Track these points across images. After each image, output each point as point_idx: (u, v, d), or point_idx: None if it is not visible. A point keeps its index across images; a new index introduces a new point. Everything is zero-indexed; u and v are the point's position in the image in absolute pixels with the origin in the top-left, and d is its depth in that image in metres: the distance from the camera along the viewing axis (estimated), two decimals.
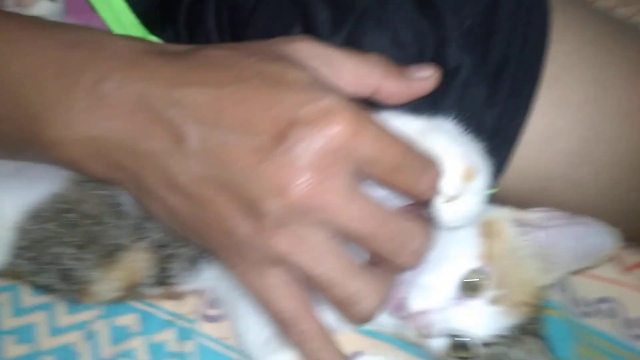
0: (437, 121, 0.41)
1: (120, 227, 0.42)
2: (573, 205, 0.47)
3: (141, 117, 0.34)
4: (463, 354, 0.41)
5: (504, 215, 0.44)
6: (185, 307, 0.44)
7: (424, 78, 0.40)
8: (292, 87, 0.33)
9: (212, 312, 0.44)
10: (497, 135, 0.47)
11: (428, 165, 0.35)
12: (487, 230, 0.42)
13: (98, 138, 0.34)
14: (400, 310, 0.41)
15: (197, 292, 0.45)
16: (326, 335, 0.36)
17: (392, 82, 0.39)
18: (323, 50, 0.38)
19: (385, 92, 0.39)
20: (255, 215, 0.32)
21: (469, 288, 0.41)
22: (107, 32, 0.38)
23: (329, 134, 0.31)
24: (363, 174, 0.33)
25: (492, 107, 0.47)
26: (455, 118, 0.41)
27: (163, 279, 0.43)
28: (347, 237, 0.33)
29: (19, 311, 0.44)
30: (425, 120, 0.40)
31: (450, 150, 0.37)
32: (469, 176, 0.37)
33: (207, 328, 0.43)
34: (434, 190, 0.35)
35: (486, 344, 0.41)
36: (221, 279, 0.43)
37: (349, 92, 0.37)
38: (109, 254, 0.42)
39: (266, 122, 0.32)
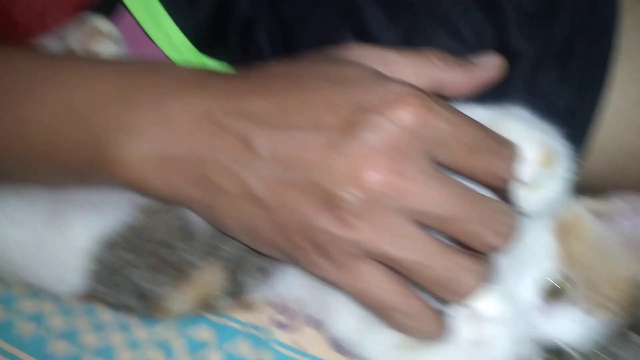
0: (508, 108, 0.39)
1: (191, 249, 0.42)
2: None
3: (207, 130, 0.34)
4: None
5: (581, 208, 0.41)
6: (258, 316, 0.44)
7: (487, 67, 0.38)
8: (354, 81, 0.33)
9: (285, 319, 0.43)
10: (573, 117, 0.45)
11: (506, 147, 0.33)
12: (566, 229, 0.40)
13: (164, 155, 0.35)
14: None
15: (270, 301, 0.44)
16: (434, 312, 0.35)
17: (453, 74, 0.38)
18: (376, 52, 0.37)
19: (447, 86, 0.38)
20: (333, 209, 0.31)
21: (552, 294, 0.38)
22: (168, 62, 0.40)
23: (398, 118, 0.31)
24: (439, 158, 0.32)
25: (564, 89, 0.45)
26: (525, 104, 0.39)
27: (235, 291, 0.43)
28: (429, 222, 0.32)
29: (98, 330, 0.44)
30: (495, 108, 0.38)
31: (527, 134, 0.35)
32: (548, 161, 0.35)
33: (282, 336, 0.42)
34: (513, 174, 0.34)
35: (583, 354, 0.38)
36: (297, 286, 0.43)
37: None
38: (181, 272, 0.42)
39: (333, 116, 0.32)
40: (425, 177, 0.31)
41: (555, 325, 0.38)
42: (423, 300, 0.35)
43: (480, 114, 0.37)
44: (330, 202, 0.31)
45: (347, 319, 0.40)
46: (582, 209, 0.41)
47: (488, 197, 0.33)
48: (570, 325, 0.38)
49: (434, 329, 0.35)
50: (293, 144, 0.32)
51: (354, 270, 0.33)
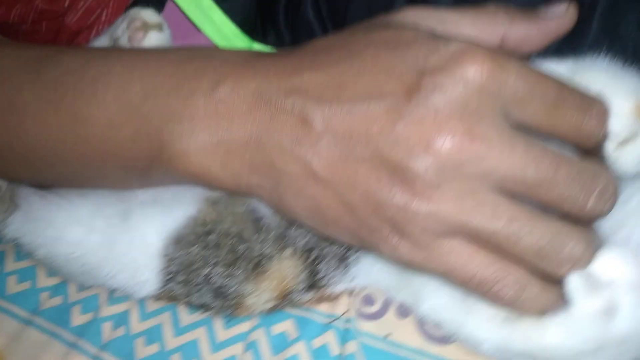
0: (588, 60, 0.35)
1: (263, 240, 0.42)
2: None
3: (261, 113, 0.33)
4: None
5: None
6: (341, 307, 0.42)
7: (557, 15, 0.35)
8: (411, 44, 0.30)
9: (369, 309, 0.42)
10: None
11: (591, 100, 0.30)
12: None
13: (222, 141, 0.34)
14: None
15: (351, 291, 0.43)
16: (535, 278, 0.31)
17: (520, 27, 0.34)
18: (433, 13, 0.35)
19: (514, 39, 0.34)
20: (404, 181, 0.29)
21: None
22: (215, 47, 0.38)
23: (465, 76, 0.28)
24: (516, 117, 0.29)
25: None
26: (608, 53, 0.35)
27: (314, 283, 0.42)
28: (515, 188, 0.29)
29: (180, 330, 0.44)
30: (574, 61, 0.35)
31: (612, 85, 0.32)
32: None
33: (367, 326, 0.41)
34: (603, 129, 0.30)
35: None
36: (377, 272, 0.41)
37: None
38: (256, 266, 0.42)
39: (392, 82, 0.30)
40: (504, 138, 0.28)
41: None
42: (524, 268, 0.30)
43: (555, 68, 0.34)
44: (403, 175, 0.29)
45: (440, 298, 0.37)
46: None
47: (578, 158, 0.29)
48: None
49: (545, 299, 0.31)
50: (353, 117, 0.30)
51: (439, 248, 0.30)
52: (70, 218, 0.45)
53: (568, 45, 0.37)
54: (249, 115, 0.33)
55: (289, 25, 0.52)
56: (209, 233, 0.42)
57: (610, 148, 0.31)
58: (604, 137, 0.31)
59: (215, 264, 0.42)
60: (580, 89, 0.30)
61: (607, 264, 0.29)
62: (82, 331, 0.46)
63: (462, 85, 0.28)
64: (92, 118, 0.38)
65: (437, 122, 0.28)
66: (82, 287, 0.49)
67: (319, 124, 0.31)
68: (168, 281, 0.44)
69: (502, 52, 0.29)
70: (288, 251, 0.41)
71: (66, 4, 0.54)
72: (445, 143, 0.28)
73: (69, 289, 0.49)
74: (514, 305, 0.31)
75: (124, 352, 0.44)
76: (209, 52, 0.38)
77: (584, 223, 0.31)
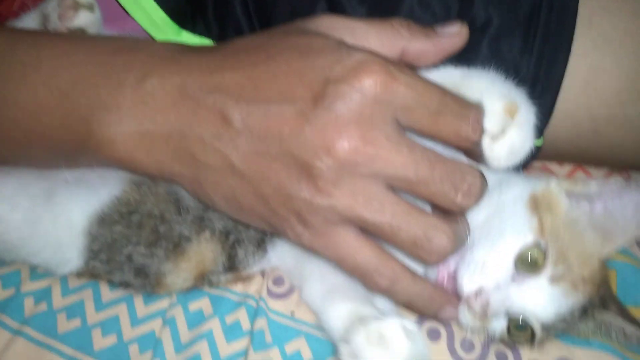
0: (475, 70, 0.40)
1: (183, 221, 0.44)
2: (628, 146, 0.46)
3: (185, 107, 0.36)
4: (522, 336, 0.40)
5: (554, 186, 0.42)
6: (253, 287, 0.46)
7: (451, 34, 0.39)
8: (320, 52, 0.34)
9: (278, 289, 0.46)
10: (538, 83, 0.46)
11: (469, 107, 0.35)
12: (539, 204, 0.41)
13: (148, 132, 0.37)
14: (453, 288, 0.40)
15: (263, 272, 0.47)
16: (411, 272, 0.37)
17: (419, 42, 0.39)
18: (344, 23, 0.38)
19: (412, 53, 0.39)
20: (310, 178, 0.33)
21: (526, 265, 0.39)
22: (144, 39, 0.40)
23: (362, 86, 0.32)
24: (404, 123, 0.34)
25: (529, 56, 0.47)
26: (494, 70, 0.41)
27: (231, 265, 0.45)
28: (399, 185, 0.34)
29: (101, 306, 0.47)
30: (463, 69, 0.40)
31: (489, 89, 0.37)
32: (511, 111, 0.36)
33: (275, 305, 0.45)
34: (478, 131, 0.35)
35: (546, 326, 0.40)
36: (285, 255, 0.45)
37: None
38: (176, 247, 0.44)
39: (302, 88, 0.33)
40: (392, 142, 0.33)
41: (523, 295, 0.39)
42: (400, 264, 0.36)
43: (448, 74, 0.39)
44: (309, 173, 0.33)
45: (316, 286, 0.43)
46: (556, 186, 0.42)
47: (453, 159, 0.34)
48: (538, 298, 0.39)
49: (413, 290, 0.37)
50: (267, 117, 0.34)
51: (335, 237, 0.35)
52: None
53: (460, 61, 0.42)
54: (173, 108, 0.36)
55: (217, 18, 0.54)
56: (132, 213, 0.45)
57: (485, 143, 0.36)
58: (479, 136, 0.35)
59: (137, 244, 0.44)
60: (461, 99, 0.35)
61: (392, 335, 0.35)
62: (3, 306, 0.47)
63: (359, 95, 0.33)
64: (21, 102, 0.39)
65: (337, 128, 0.33)
66: (2, 263, 0.49)
67: (238, 121, 0.34)
68: (91, 259, 0.46)
69: (397, 65, 0.34)
70: (206, 233, 0.44)
71: None
72: (343, 146, 0.33)
73: None
74: (388, 294, 0.37)
75: (46, 327, 0.45)
76: (138, 45, 0.40)
77: (457, 214, 0.36)
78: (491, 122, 0.35)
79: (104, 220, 0.45)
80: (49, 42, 0.40)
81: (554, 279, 0.39)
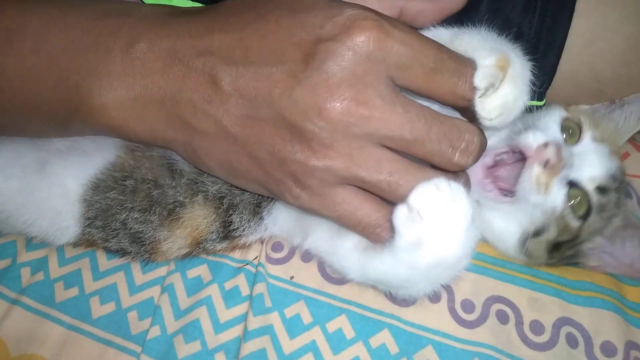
0: (467, 29, 0.39)
1: (176, 185, 0.44)
2: None
3: (175, 71, 0.35)
4: (580, 204, 0.42)
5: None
6: (252, 253, 0.46)
7: None
8: (311, 8, 0.33)
9: (277, 255, 0.45)
10: (540, 43, 0.45)
11: (465, 64, 0.34)
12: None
13: (139, 97, 0.36)
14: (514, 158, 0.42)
15: (262, 238, 0.46)
16: None
17: (417, 2, 0.38)
18: None
19: (412, 11, 0.38)
20: (303, 140, 0.33)
21: (568, 134, 0.43)
22: (134, 2, 0.39)
23: (354, 44, 0.31)
24: (399, 81, 0.33)
25: (531, 15, 0.45)
26: (490, 28, 0.39)
27: (228, 234, 0.45)
28: (394, 145, 0.33)
29: (99, 275, 0.46)
30: (454, 29, 0.39)
31: (482, 45, 0.36)
32: (502, 67, 0.35)
33: (275, 270, 0.44)
34: (472, 90, 0.34)
35: (601, 188, 0.42)
36: (282, 220, 0.44)
37: None
38: (170, 213, 0.44)
39: (292, 48, 0.32)
40: (386, 102, 0.32)
41: (577, 156, 0.42)
42: None
43: (441, 32, 0.38)
44: (302, 135, 0.33)
45: (320, 232, 0.42)
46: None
47: (450, 117, 0.34)
48: (587, 154, 0.42)
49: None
50: (258, 79, 0.33)
51: (333, 196, 0.35)
52: None
53: (460, 22, 0.40)
54: (164, 72, 0.35)
55: None
56: (126, 178, 0.44)
57: (476, 99, 0.35)
58: (473, 92, 0.34)
59: (132, 209, 0.44)
60: (457, 55, 0.34)
61: (420, 198, 0.34)
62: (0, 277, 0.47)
63: (351, 53, 0.31)
64: (9, 69, 0.38)
65: (328, 88, 0.32)
66: None
67: (227, 84, 0.34)
68: (87, 226, 0.45)
69: (391, 20, 0.32)
70: (199, 197, 0.44)
71: None
72: (335, 108, 0.32)
73: None
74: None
75: (44, 296, 0.45)
76: (127, 9, 0.39)
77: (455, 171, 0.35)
78: (480, 77, 0.34)
79: (98, 187, 0.44)
80: (36, 7, 0.39)
81: (596, 139, 0.43)
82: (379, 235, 0.36)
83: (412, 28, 0.33)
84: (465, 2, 0.38)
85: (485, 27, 0.39)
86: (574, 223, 0.41)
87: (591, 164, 0.42)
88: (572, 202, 0.41)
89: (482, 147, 0.34)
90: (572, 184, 0.41)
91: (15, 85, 0.38)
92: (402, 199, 0.34)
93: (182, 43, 0.35)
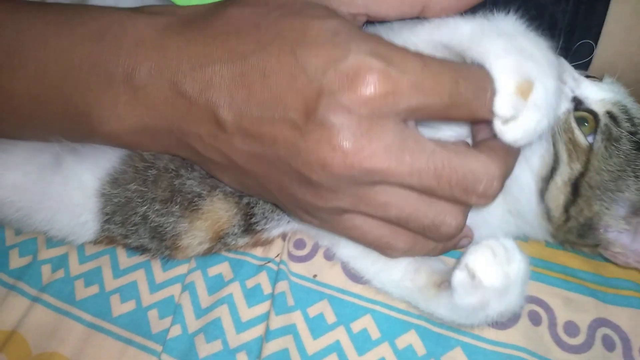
0: (494, 21, 0.35)
1: (195, 178, 0.43)
2: None
3: (178, 104, 0.34)
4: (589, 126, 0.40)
5: None
6: (274, 250, 0.45)
7: None
8: (312, 45, 0.31)
9: (299, 252, 0.44)
10: (575, 30, 0.43)
11: (484, 87, 0.31)
12: None
13: (148, 127, 0.36)
14: None
15: (284, 235, 0.45)
16: (419, 235, 0.37)
17: None
18: None
19: (435, 7, 0.36)
20: (309, 186, 0.32)
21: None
22: (127, 13, 0.38)
23: (359, 98, 0.29)
24: (411, 119, 0.31)
25: (564, 2, 0.43)
26: (518, 16, 0.36)
27: (249, 227, 0.44)
28: (407, 189, 0.33)
29: (119, 273, 0.46)
30: (479, 20, 0.35)
31: (501, 62, 0.32)
32: (524, 92, 0.32)
33: (297, 268, 0.43)
34: (490, 114, 0.32)
35: (612, 116, 0.40)
36: None
37: (395, 16, 0.36)
38: (190, 204, 0.43)
39: (294, 95, 0.31)
40: (392, 154, 0.30)
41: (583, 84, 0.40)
42: (412, 232, 0.36)
43: (462, 30, 0.35)
44: (307, 181, 0.32)
45: (349, 245, 0.42)
46: None
47: (467, 158, 0.32)
48: (600, 86, 0.41)
49: (430, 244, 0.37)
50: (260, 125, 0.32)
51: (343, 222, 0.35)
52: (3, 164, 0.44)
53: (492, 9, 0.38)
54: (168, 104, 0.35)
55: None
56: (147, 168, 0.43)
57: (496, 125, 0.32)
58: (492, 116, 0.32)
59: (153, 200, 0.43)
60: (474, 72, 0.31)
61: (478, 266, 0.36)
62: (20, 274, 0.46)
63: (355, 107, 0.29)
64: (17, 94, 0.37)
65: (331, 145, 0.30)
66: (18, 232, 0.49)
67: (231, 125, 0.33)
68: (105, 222, 0.45)
69: (400, 60, 0.30)
70: (218, 193, 0.43)
71: None
72: (338, 164, 0.30)
73: (5, 233, 0.49)
74: (407, 256, 0.39)
75: (64, 294, 0.45)
76: (122, 25, 0.37)
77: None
78: (499, 106, 0.32)
79: (116, 180, 0.44)
80: (29, 28, 0.37)
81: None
82: (394, 252, 0.37)
83: (425, 57, 0.31)
84: None
85: (515, 15, 0.36)
86: (582, 140, 0.39)
87: (602, 88, 0.40)
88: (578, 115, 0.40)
89: (500, 187, 0.32)
90: (578, 102, 0.40)
91: (25, 109, 0.38)
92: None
93: (183, 75, 0.34)
